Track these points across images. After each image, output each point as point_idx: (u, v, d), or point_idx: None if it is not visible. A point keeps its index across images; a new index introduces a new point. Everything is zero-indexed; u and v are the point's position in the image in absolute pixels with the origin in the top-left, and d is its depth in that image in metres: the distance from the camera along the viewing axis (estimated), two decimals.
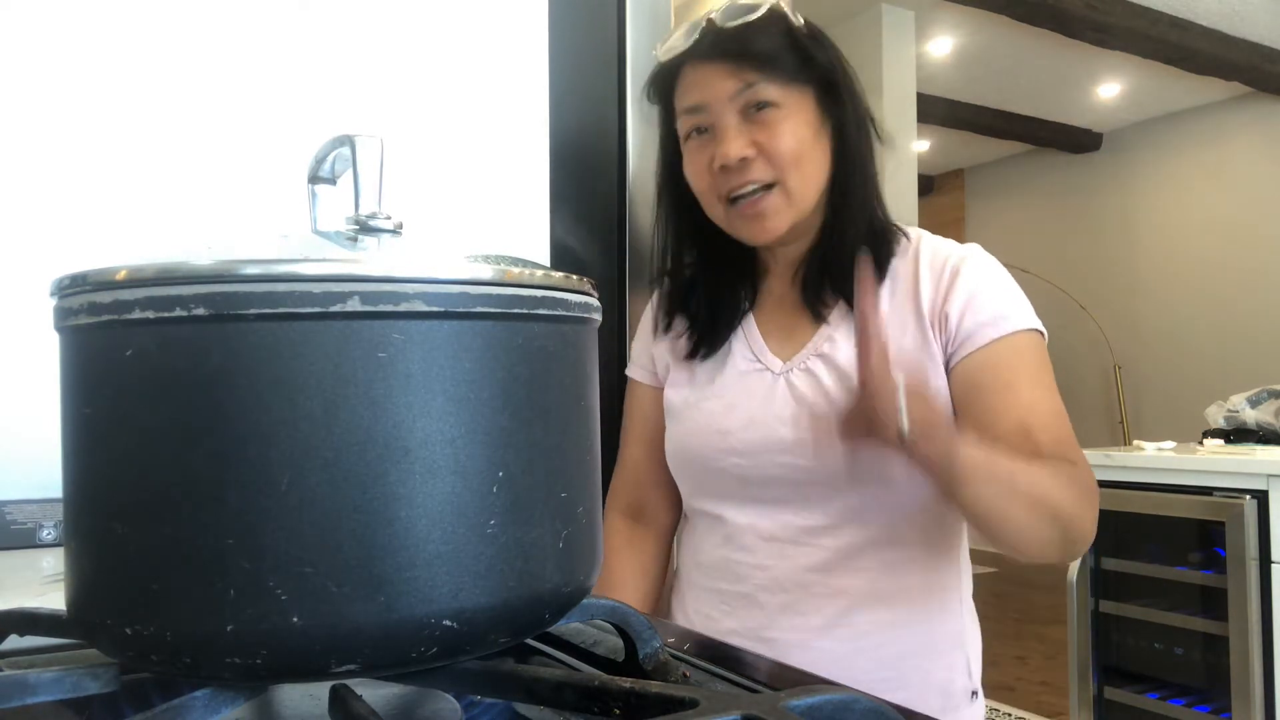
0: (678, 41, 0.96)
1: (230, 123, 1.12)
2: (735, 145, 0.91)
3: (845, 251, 0.94)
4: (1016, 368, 0.88)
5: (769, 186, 0.92)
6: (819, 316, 0.95)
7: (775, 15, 0.93)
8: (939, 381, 0.91)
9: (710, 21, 0.93)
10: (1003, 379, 0.87)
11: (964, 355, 0.90)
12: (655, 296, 1.11)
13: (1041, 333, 0.92)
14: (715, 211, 0.96)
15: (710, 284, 1.02)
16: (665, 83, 0.99)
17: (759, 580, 0.94)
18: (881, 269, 0.95)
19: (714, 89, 0.92)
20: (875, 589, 0.91)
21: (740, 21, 0.92)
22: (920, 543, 0.93)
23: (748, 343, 0.99)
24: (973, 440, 0.79)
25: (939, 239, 0.98)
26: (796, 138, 0.91)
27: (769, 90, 0.91)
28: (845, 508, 0.91)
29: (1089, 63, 4.71)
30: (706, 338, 1.00)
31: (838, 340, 0.93)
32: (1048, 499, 0.81)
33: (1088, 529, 0.85)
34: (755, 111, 0.91)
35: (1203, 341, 5.42)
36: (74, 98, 1.05)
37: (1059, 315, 5.67)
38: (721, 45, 0.92)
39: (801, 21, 0.95)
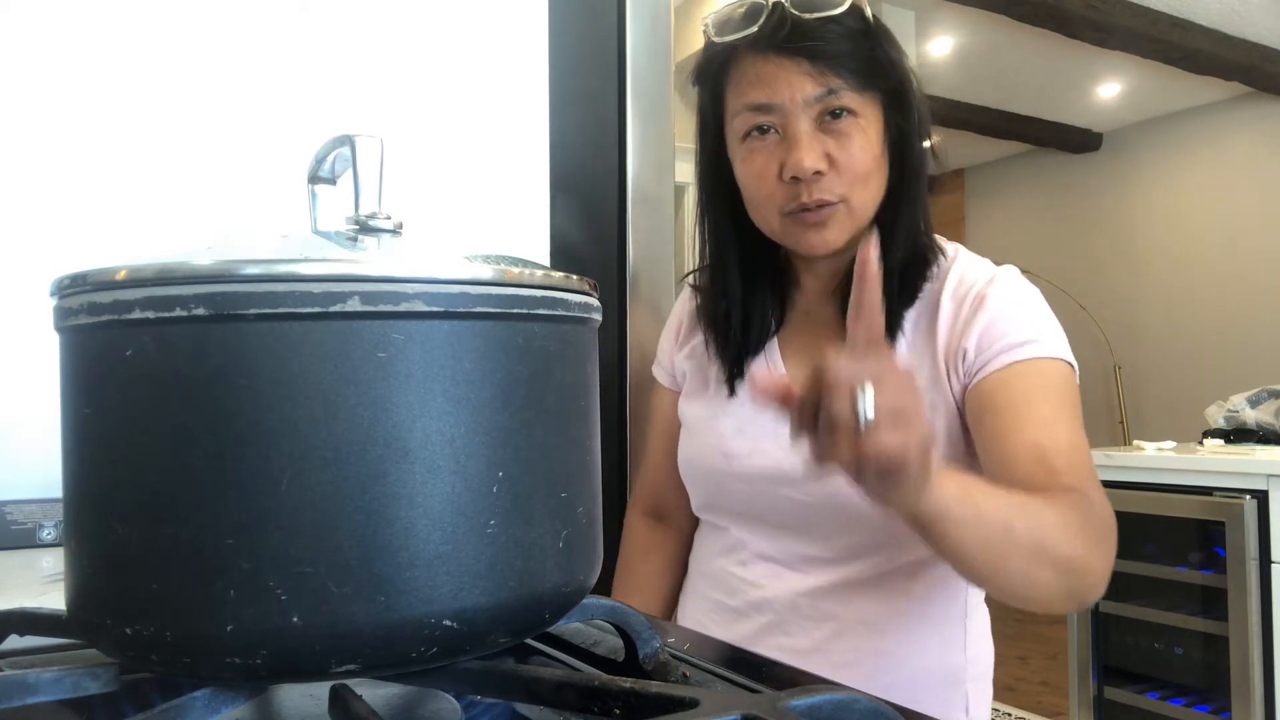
0: (737, 22, 0.86)
1: (230, 123, 1.12)
2: (810, 156, 0.83)
3: (886, 270, 0.86)
4: (1036, 388, 0.81)
5: (833, 204, 0.85)
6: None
7: (855, 10, 0.84)
8: (952, 427, 0.84)
9: (779, 6, 0.83)
10: (1018, 397, 0.79)
11: (979, 379, 0.82)
12: (684, 296, 1.06)
13: (1072, 365, 0.84)
14: (769, 221, 0.89)
15: (745, 300, 0.95)
16: (718, 68, 0.90)
17: (750, 597, 0.92)
18: (913, 293, 0.88)
19: (789, 89, 0.83)
20: (865, 618, 0.88)
21: (822, 15, 0.83)
22: (921, 577, 0.88)
23: (766, 362, 0.95)
24: (958, 474, 0.67)
25: (972, 260, 0.91)
26: (870, 153, 0.85)
27: (849, 97, 0.84)
28: (849, 544, 0.88)
29: (1089, 63, 4.71)
30: (740, 364, 0.95)
31: None
32: (1053, 546, 0.71)
33: (1099, 575, 0.75)
34: (830, 119, 0.84)
35: (1203, 341, 5.42)
36: (74, 97, 1.05)
37: (1059, 315, 5.66)
38: (800, 39, 0.83)
39: (873, 18, 0.86)
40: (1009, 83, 5.03)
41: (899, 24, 4.11)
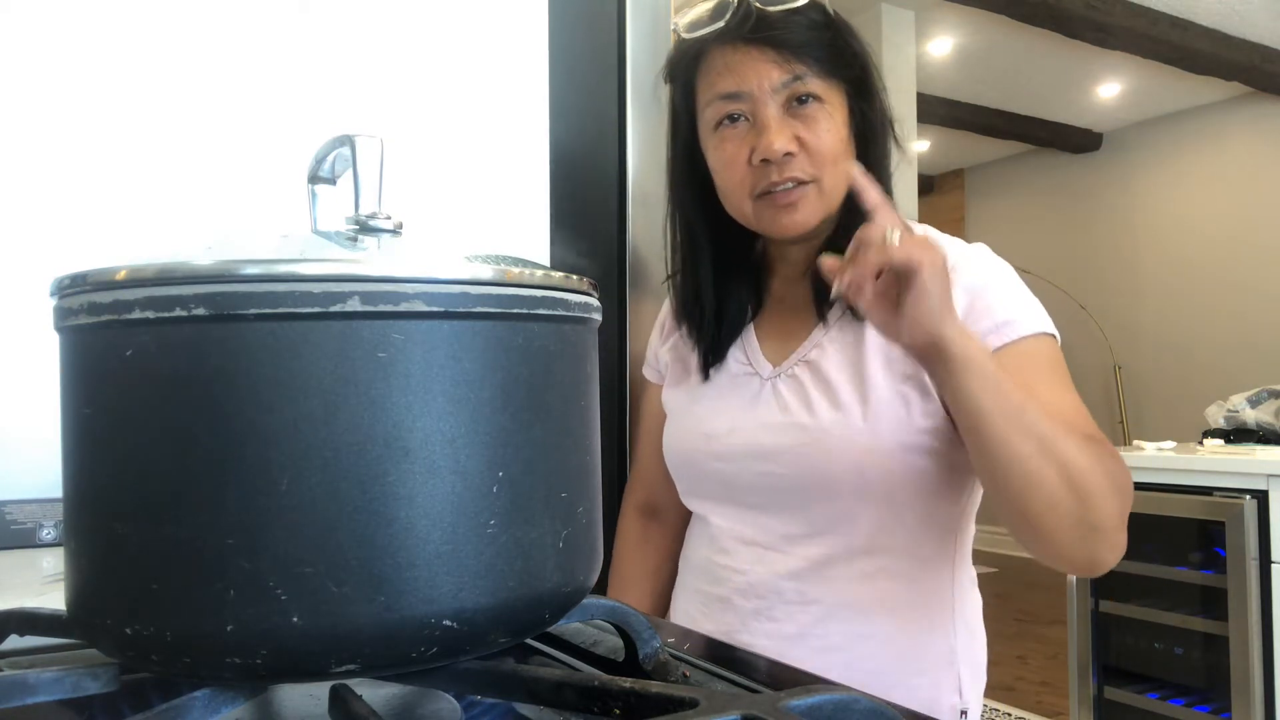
0: (705, 18, 0.90)
1: (230, 123, 1.12)
2: (780, 138, 0.86)
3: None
4: (1030, 372, 0.83)
5: (804, 183, 0.88)
6: (821, 315, 0.92)
7: (816, 3, 0.89)
8: (933, 404, 0.86)
9: (744, 1, 0.87)
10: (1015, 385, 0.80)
11: None
12: (668, 300, 1.08)
13: (1054, 336, 0.87)
14: (741, 206, 0.92)
15: (718, 290, 0.98)
16: (689, 63, 0.94)
17: (735, 584, 0.93)
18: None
19: (757, 76, 0.87)
20: (850, 600, 0.88)
21: (785, 6, 0.87)
22: (905, 556, 0.89)
23: (743, 345, 0.97)
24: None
25: (943, 237, 0.94)
26: (837, 136, 0.88)
27: (814, 83, 0.87)
28: (824, 517, 0.89)
29: (1089, 63, 4.71)
30: (715, 350, 0.98)
31: (826, 348, 0.91)
32: (1062, 449, 0.75)
33: (1113, 517, 0.77)
34: (798, 105, 0.87)
35: (1203, 341, 5.42)
36: (74, 97, 1.05)
37: (1059, 315, 5.62)
38: (765, 30, 0.87)
39: (834, 12, 0.91)
40: (1009, 83, 5.03)
41: (899, 24, 4.12)
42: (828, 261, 0.75)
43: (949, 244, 0.93)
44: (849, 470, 0.86)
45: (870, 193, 0.75)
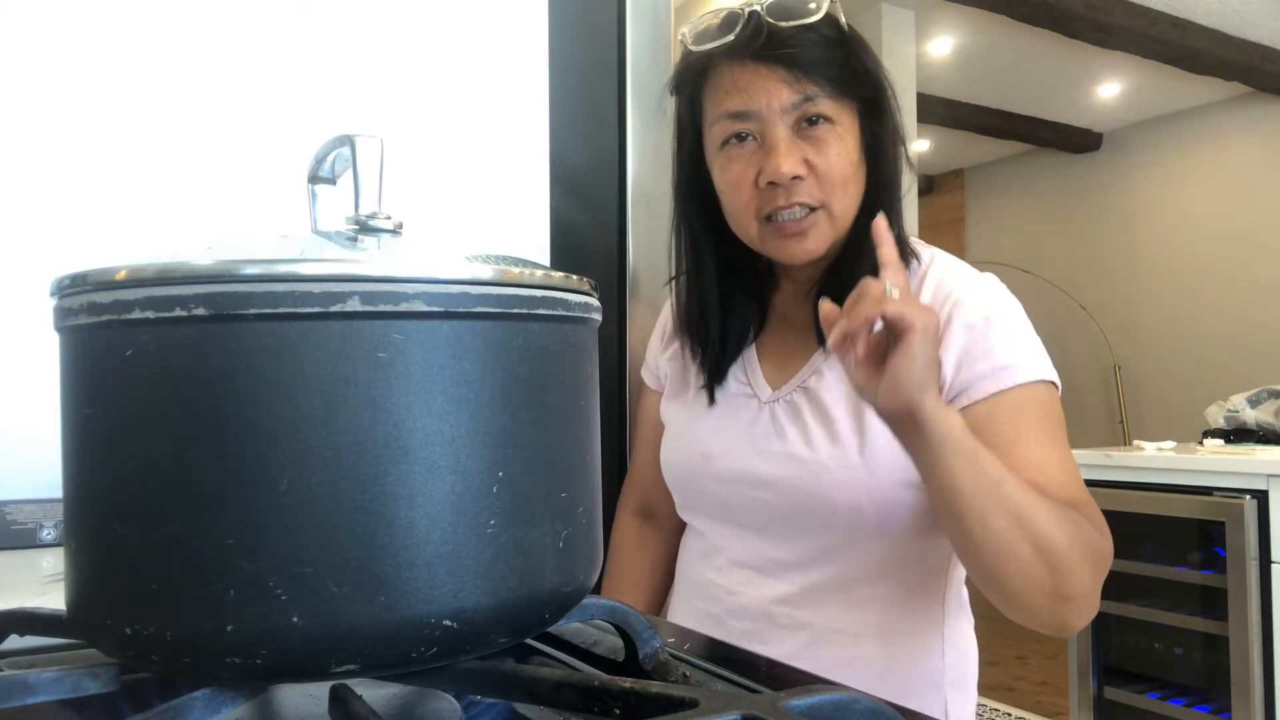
0: (714, 31, 0.86)
1: (230, 123, 1.12)
2: (788, 161, 0.83)
3: (862, 274, 0.87)
4: (1020, 423, 0.81)
5: (812, 209, 0.85)
6: (822, 340, 0.90)
7: (830, 18, 0.85)
8: None
9: (755, 14, 0.84)
10: (1004, 435, 0.79)
11: (961, 405, 0.82)
12: (668, 304, 1.07)
13: (1054, 384, 0.84)
14: (747, 228, 0.89)
15: (723, 308, 0.95)
16: (695, 77, 0.90)
17: (727, 604, 0.92)
18: None
19: (766, 96, 0.84)
20: (840, 625, 0.88)
21: (797, 22, 0.83)
22: (895, 583, 0.89)
23: (743, 363, 0.96)
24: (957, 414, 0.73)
25: (951, 265, 0.91)
26: (847, 159, 0.85)
27: (825, 104, 0.84)
28: (817, 546, 0.88)
29: (1089, 63, 4.71)
30: (718, 370, 0.96)
31: (825, 375, 0.89)
32: (1037, 523, 0.73)
33: (1084, 588, 0.76)
34: (808, 126, 0.84)
35: (1203, 341, 5.42)
36: (74, 97, 1.05)
37: (1059, 315, 5.67)
38: (776, 47, 0.83)
39: (848, 27, 0.87)
40: (1009, 83, 5.03)
41: (899, 24, 4.11)
42: (826, 307, 0.73)
43: (957, 274, 0.90)
44: (844, 505, 0.86)
45: (886, 248, 0.74)
